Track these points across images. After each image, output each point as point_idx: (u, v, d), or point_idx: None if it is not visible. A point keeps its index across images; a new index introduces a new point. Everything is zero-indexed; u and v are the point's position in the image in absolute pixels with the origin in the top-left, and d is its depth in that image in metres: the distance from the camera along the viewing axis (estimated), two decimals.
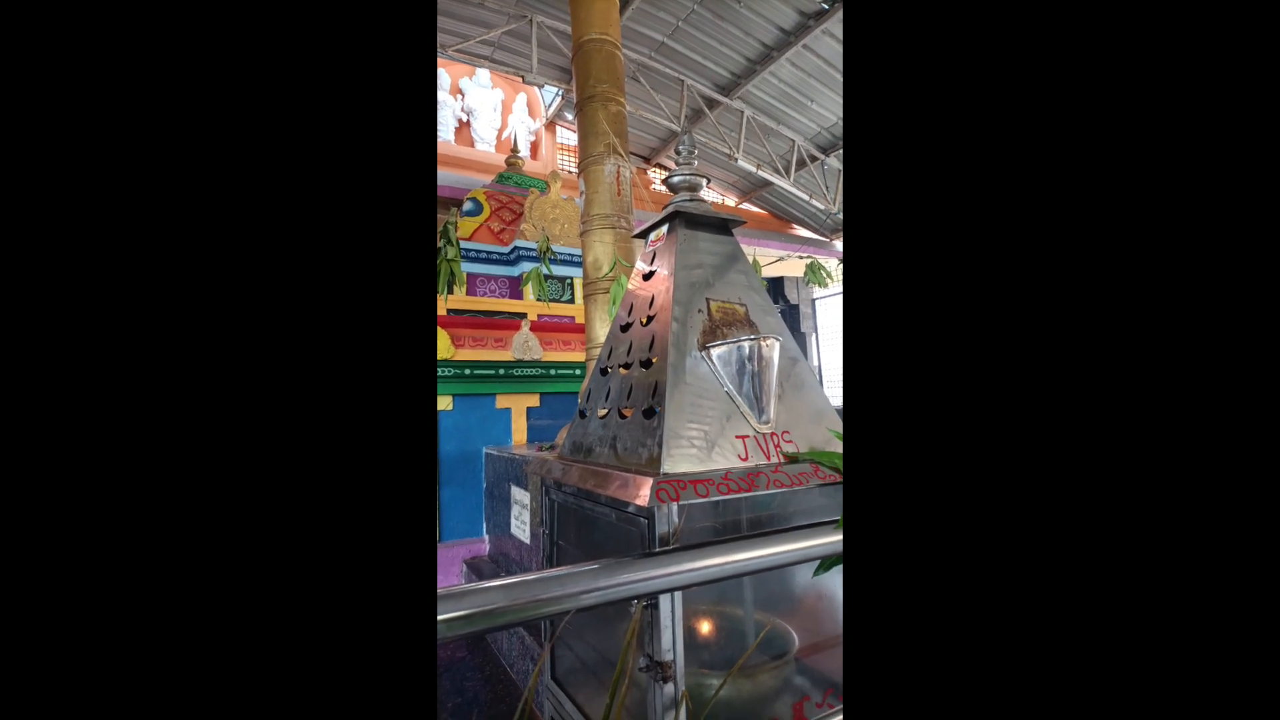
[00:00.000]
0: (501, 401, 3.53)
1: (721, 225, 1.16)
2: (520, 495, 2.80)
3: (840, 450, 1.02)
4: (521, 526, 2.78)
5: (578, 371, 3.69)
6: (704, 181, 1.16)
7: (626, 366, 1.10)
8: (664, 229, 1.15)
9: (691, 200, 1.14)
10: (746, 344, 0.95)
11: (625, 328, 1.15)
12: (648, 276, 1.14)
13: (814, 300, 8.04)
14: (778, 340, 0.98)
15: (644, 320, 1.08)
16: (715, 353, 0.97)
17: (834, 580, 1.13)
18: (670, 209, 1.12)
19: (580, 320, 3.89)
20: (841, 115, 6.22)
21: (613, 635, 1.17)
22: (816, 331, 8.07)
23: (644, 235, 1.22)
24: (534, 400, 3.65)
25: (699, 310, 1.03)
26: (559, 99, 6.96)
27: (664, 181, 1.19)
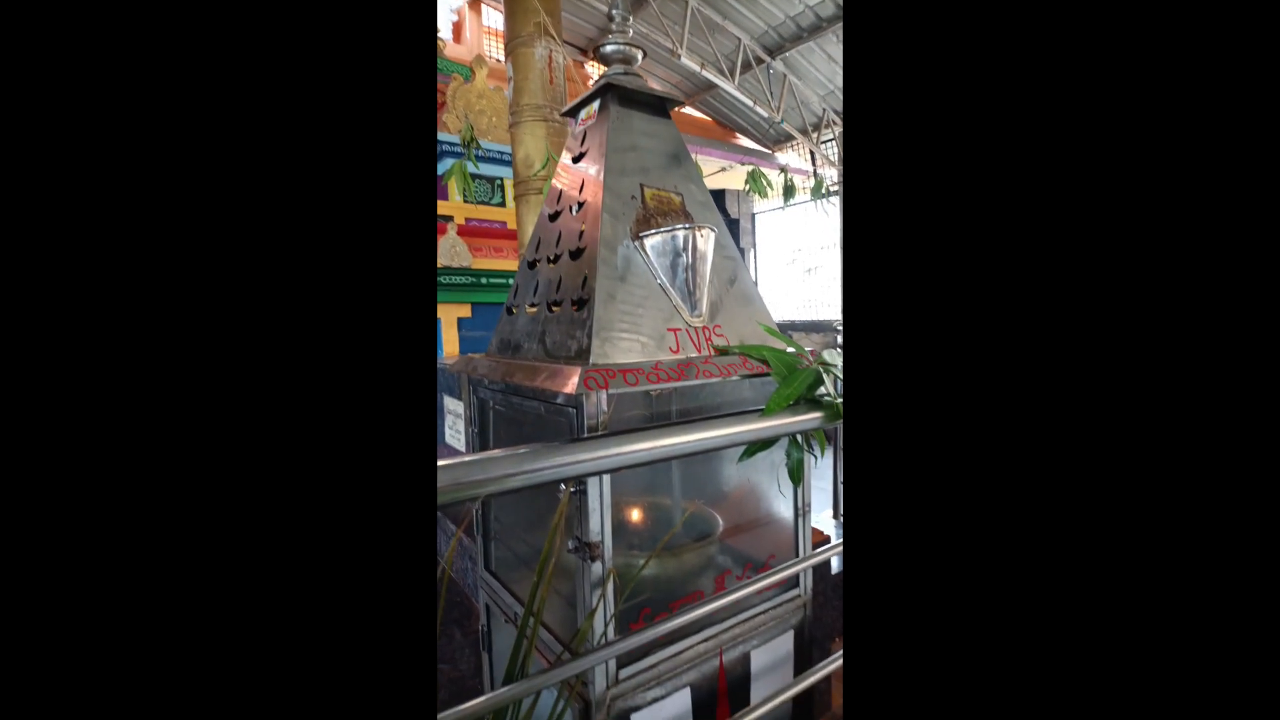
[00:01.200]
0: None
1: (658, 105, 1.08)
2: (454, 405, 2.75)
3: (770, 345, 1.03)
4: (456, 435, 2.76)
5: (511, 280, 3.54)
6: (640, 54, 1.05)
7: (555, 260, 1.03)
8: (595, 105, 1.05)
9: (626, 74, 1.03)
10: (681, 233, 0.91)
11: (554, 217, 1.07)
12: (577, 159, 1.05)
13: (754, 215, 8.01)
14: (713, 231, 0.95)
15: (573, 208, 1.01)
16: (649, 242, 0.93)
17: (756, 469, 1.19)
18: (602, 82, 1.01)
19: (512, 225, 3.67)
20: (790, 15, 5.89)
21: (546, 530, 1.20)
22: (755, 247, 8.12)
23: (573, 113, 1.11)
24: (464, 310, 3.50)
25: (632, 197, 0.97)
26: None
27: (595, 53, 1.06)
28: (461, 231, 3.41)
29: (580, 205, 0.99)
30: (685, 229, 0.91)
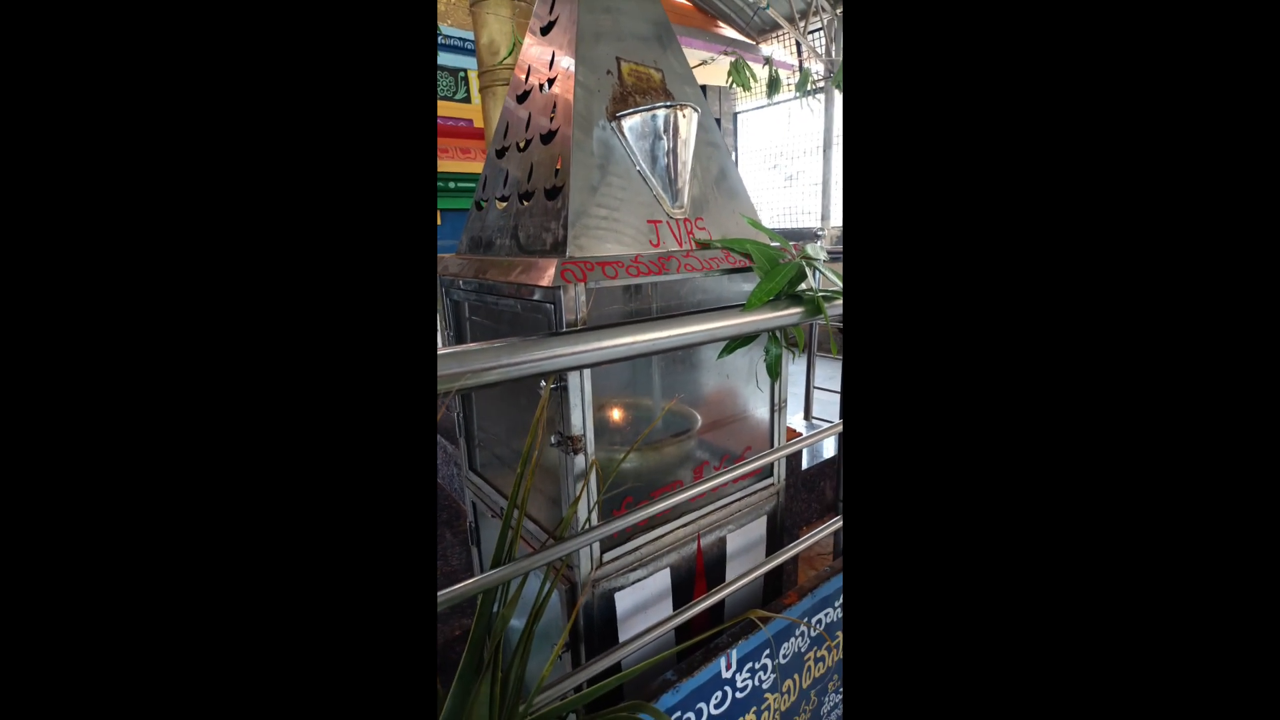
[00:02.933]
0: None
1: None
2: None
3: (754, 238, 1.00)
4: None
5: None
6: None
7: (524, 146, 0.96)
8: None
9: None
10: (662, 113, 0.84)
11: (522, 98, 0.98)
12: (546, 29, 0.95)
13: (735, 114, 7.58)
14: (696, 110, 0.88)
15: (542, 86, 0.92)
16: (626, 123, 0.86)
17: (735, 369, 1.21)
18: None
19: (479, 123, 3.40)
20: None
21: (528, 431, 1.21)
22: (737, 150, 7.76)
23: None
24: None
25: (608, 72, 0.88)
26: None
27: None
28: None
29: (550, 83, 0.90)
30: (666, 108, 0.84)
